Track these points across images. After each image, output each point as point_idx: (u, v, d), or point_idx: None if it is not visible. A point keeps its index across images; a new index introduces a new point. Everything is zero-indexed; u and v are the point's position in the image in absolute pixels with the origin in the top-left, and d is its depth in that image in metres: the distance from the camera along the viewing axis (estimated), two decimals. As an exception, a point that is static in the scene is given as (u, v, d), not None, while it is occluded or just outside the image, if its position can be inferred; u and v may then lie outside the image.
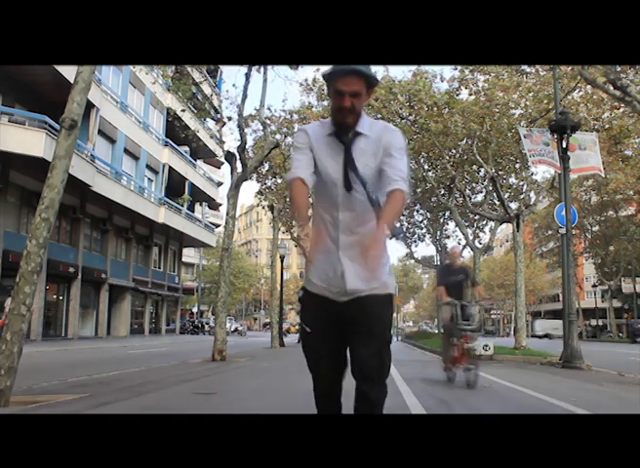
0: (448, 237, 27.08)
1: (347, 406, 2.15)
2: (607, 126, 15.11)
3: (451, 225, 26.16)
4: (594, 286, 47.13)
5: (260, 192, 19.16)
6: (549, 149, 11.52)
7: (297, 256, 72.68)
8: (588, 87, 13.82)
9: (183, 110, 16.65)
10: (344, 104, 1.96)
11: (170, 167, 28.51)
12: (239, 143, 12.05)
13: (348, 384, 2.13)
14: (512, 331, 42.14)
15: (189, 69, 15.29)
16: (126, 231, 26.56)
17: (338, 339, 2.09)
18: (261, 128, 14.70)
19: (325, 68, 2.05)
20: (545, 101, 13.83)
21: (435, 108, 15.20)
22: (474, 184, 21.02)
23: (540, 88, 14.15)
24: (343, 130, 2.05)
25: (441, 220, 25.69)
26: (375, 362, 2.00)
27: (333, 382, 2.19)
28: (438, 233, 26.42)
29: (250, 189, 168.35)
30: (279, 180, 18.90)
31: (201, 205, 40.43)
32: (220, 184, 41.70)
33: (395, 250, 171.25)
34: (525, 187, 18.17)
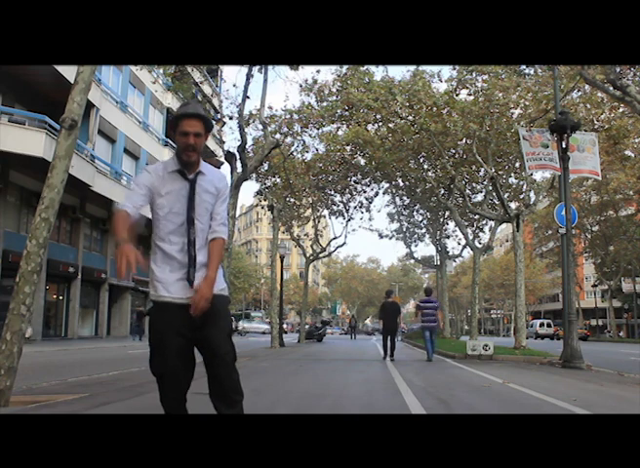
0: (448, 237, 27.08)
1: (348, 405, 2.15)
2: (606, 126, 15.12)
3: (451, 225, 26.16)
4: (594, 286, 47.14)
5: (259, 192, 19.17)
6: (548, 151, 11.49)
7: (297, 256, 72.75)
8: (587, 87, 13.82)
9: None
10: (190, 143, 2.34)
11: (170, 167, 28.49)
12: (239, 143, 12.06)
13: (342, 386, 2.12)
14: (512, 331, 42.12)
15: (190, 69, 15.29)
16: (126, 231, 26.56)
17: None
18: (261, 127, 14.71)
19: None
20: (545, 102, 13.83)
21: (435, 108, 15.19)
22: (474, 184, 21.03)
23: (539, 88, 14.15)
24: (188, 168, 2.40)
25: (441, 220, 25.69)
26: None
27: None
28: (438, 233, 26.42)
29: (250, 189, 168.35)
30: (279, 180, 18.91)
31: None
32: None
33: (395, 250, 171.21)
34: (525, 187, 18.18)
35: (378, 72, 36.86)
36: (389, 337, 11.76)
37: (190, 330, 2.31)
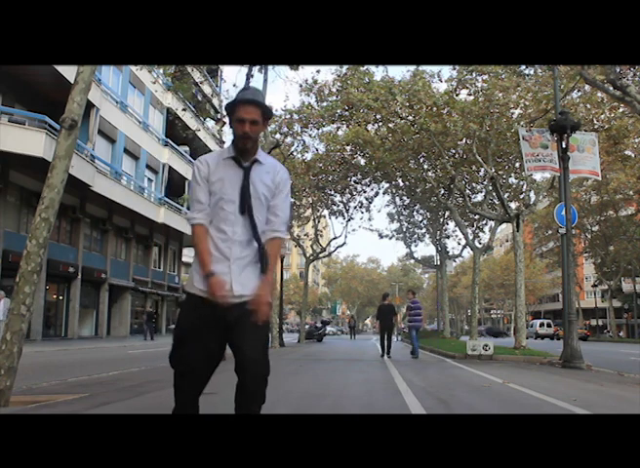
0: (448, 237, 27.11)
1: (348, 405, 2.15)
2: (606, 126, 15.12)
3: (451, 225, 26.19)
4: (594, 286, 47.14)
5: (259, 192, 19.12)
6: (548, 152, 11.47)
7: (297, 256, 72.74)
8: (587, 87, 13.82)
9: (184, 109, 16.66)
10: (245, 130, 2.23)
11: (170, 167, 28.51)
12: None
13: (342, 386, 2.13)
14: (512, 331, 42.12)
15: (190, 69, 15.29)
16: (126, 231, 26.55)
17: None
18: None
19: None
20: (545, 102, 13.83)
21: (435, 108, 15.19)
22: (474, 184, 21.03)
23: (539, 88, 14.15)
24: (243, 156, 2.29)
25: (441, 220, 25.69)
26: None
27: None
28: (438, 233, 26.43)
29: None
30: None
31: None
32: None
33: (395, 250, 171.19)
34: (525, 187, 18.18)
35: (378, 72, 36.84)
36: (386, 336, 12.76)
37: (222, 328, 2.19)
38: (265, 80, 12.29)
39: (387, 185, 23.09)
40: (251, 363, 2.16)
